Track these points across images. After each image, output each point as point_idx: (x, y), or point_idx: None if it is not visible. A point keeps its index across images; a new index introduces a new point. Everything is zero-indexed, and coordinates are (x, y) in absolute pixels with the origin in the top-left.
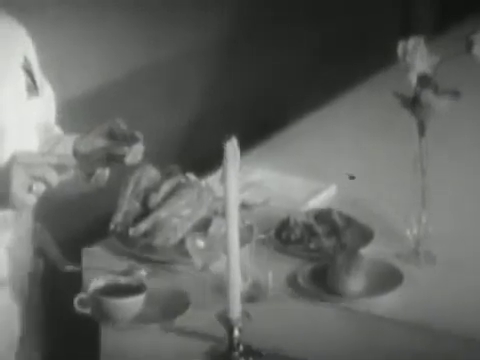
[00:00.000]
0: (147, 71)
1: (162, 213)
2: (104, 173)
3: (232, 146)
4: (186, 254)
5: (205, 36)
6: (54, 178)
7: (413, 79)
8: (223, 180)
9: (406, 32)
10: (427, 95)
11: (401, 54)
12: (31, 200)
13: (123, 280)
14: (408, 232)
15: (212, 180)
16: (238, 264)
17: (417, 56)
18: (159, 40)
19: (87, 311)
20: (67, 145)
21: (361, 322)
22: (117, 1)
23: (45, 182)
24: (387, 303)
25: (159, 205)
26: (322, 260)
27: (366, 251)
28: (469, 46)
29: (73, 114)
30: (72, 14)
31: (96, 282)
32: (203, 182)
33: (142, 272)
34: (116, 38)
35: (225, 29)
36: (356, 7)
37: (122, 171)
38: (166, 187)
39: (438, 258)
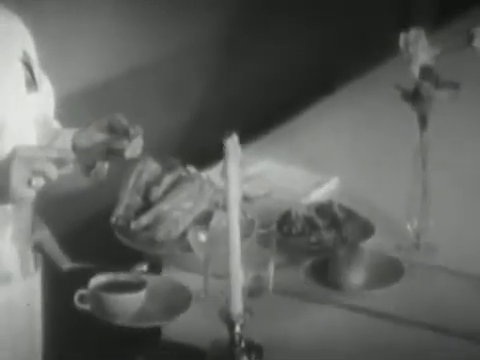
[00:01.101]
0: (148, 66)
1: (164, 206)
2: (103, 167)
3: (233, 142)
4: (188, 247)
5: (206, 32)
6: (54, 172)
7: (415, 71)
8: (224, 177)
9: (406, 25)
10: (427, 87)
11: (403, 45)
12: (31, 194)
13: (124, 277)
14: (408, 226)
15: (213, 173)
16: (239, 261)
17: (419, 47)
18: (160, 36)
19: (87, 307)
20: (66, 139)
21: (362, 315)
22: None
23: (45, 176)
24: (388, 296)
25: (160, 198)
26: (323, 253)
27: (367, 244)
28: (470, 39)
29: (74, 109)
30: (72, 9)
31: (96, 278)
32: (204, 175)
33: (144, 267)
34: (117, 34)
35: (225, 25)
36: (356, 1)
37: (122, 165)
38: (167, 180)
39: (439, 251)
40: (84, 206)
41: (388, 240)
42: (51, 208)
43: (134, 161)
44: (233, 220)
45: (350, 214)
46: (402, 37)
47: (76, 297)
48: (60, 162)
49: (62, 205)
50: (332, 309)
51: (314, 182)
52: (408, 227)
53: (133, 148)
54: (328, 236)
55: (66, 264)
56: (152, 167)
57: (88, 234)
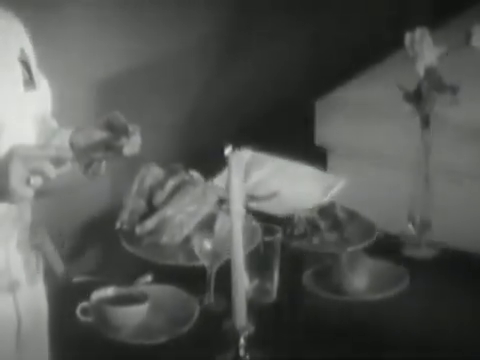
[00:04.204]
0: (148, 66)
1: (168, 211)
2: (101, 165)
3: (235, 156)
4: (192, 252)
5: (205, 31)
6: (52, 171)
7: (420, 70)
8: (227, 191)
9: (403, 25)
10: (427, 88)
11: (408, 44)
12: (30, 193)
13: (127, 289)
14: (410, 224)
15: (217, 180)
16: (243, 272)
17: (424, 46)
18: (159, 35)
19: (89, 320)
20: (64, 137)
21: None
22: None
23: (43, 175)
24: (390, 301)
25: (164, 203)
26: (326, 257)
27: (369, 245)
28: (468, 38)
29: (72, 108)
30: (75, 10)
31: (99, 291)
32: (208, 181)
33: (148, 278)
34: (115, 34)
35: (225, 25)
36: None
37: (120, 163)
38: (170, 185)
39: (441, 249)
40: (83, 209)
41: (390, 239)
42: (48, 207)
43: (134, 161)
44: (237, 234)
45: (352, 215)
46: (407, 36)
47: (78, 310)
48: (58, 160)
49: (59, 204)
50: (336, 314)
51: (323, 186)
52: (409, 226)
53: (131, 145)
54: (330, 238)
55: (62, 273)
56: (155, 172)
57: (88, 237)
